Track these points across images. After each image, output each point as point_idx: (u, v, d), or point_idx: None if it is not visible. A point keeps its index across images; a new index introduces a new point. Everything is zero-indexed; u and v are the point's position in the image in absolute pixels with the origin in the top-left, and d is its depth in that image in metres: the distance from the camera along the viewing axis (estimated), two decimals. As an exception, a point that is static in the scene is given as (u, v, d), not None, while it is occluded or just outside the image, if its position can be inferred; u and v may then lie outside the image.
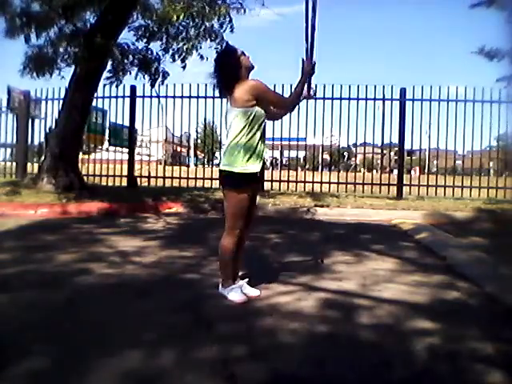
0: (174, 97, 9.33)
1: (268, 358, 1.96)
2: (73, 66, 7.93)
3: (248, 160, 2.60)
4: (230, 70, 2.67)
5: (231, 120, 2.66)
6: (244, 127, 2.61)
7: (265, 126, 2.72)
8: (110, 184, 9.40)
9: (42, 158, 8.31)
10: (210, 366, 1.87)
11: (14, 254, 3.77)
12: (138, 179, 9.45)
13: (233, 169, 2.61)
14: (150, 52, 8.51)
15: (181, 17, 7.43)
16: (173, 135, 12.97)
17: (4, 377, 1.75)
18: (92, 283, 3.02)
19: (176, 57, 8.20)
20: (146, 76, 8.52)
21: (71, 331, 2.21)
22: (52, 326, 2.26)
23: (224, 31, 7.98)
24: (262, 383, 1.78)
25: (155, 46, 8.45)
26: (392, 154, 16.07)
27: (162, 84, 8.81)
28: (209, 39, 8.04)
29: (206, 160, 17.89)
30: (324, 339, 2.20)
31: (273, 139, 9.94)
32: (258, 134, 2.65)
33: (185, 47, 8.07)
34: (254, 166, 2.62)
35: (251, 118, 2.61)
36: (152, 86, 8.78)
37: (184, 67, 8.19)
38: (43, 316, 2.39)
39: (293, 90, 2.90)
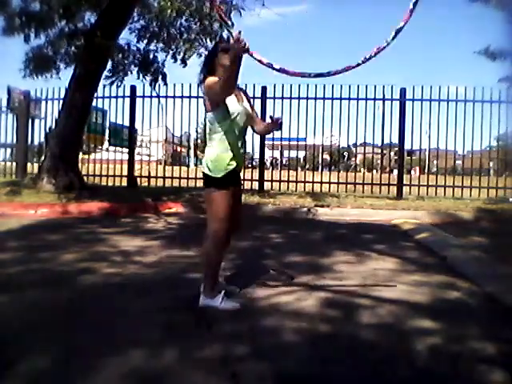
0: (174, 97, 9.31)
1: (269, 358, 1.96)
2: (73, 66, 7.94)
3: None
4: (205, 61, 2.64)
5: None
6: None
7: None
8: (110, 184, 9.39)
9: (42, 158, 8.31)
10: (212, 366, 1.88)
11: (15, 253, 3.78)
12: (138, 179, 9.44)
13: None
14: (150, 52, 8.54)
15: (175, 10, 7.42)
16: (173, 135, 12.96)
17: (6, 376, 1.75)
18: (93, 283, 3.02)
19: (177, 56, 8.21)
20: (146, 76, 8.55)
21: (73, 330, 2.21)
22: (54, 326, 2.27)
23: (223, 31, 8.00)
24: (264, 382, 1.78)
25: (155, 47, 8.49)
26: (392, 154, 16.07)
27: (165, 85, 8.83)
28: (208, 39, 8.06)
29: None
30: (325, 339, 2.20)
31: (273, 139, 9.95)
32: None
33: (184, 47, 8.08)
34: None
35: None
36: (152, 86, 8.80)
37: (185, 65, 8.20)
38: (45, 315, 2.40)
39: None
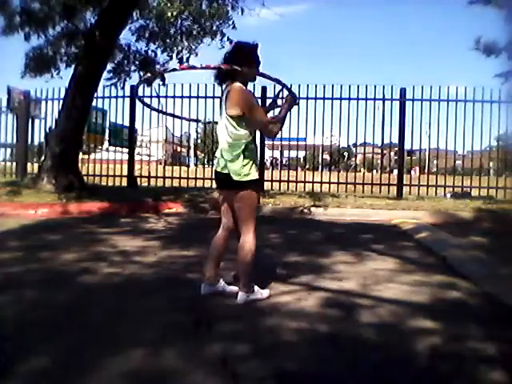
0: (174, 97, 9.32)
1: (269, 357, 1.96)
2: (73, 66, 7.94)
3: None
4: (237, 59, 2.57)
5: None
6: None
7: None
8: (110, 184, 9.39)
9: (42, 158, 8.31)
10: (212, 365, 1.88)
11: (15, 253, 3.77)
12: (138, 179, 9.45)
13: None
14: (149, 52, 8.55)
15: (174, 13, 7.46)
16: (173, 135, 12.97)
17: (6, 376, 1.75)
18: (93, 282, 3.02)
19: (174, 56, 8.22)
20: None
21: (73, 330, 2.21)
22: (54, 326, 2.27)
23: (223, 29, 8.03)
24: (264, 382, 1.78)
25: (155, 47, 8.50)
26: (392, 154, 16.07)
27: (164, 85, 8.83)
28: (209, 38, 8.07)
29: (206, 160, 17.91)
30: (325, 339, 2.20)
31: (273, 139, 9.95)
32: None
33: (181, 46, 8.08)
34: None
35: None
36: (150, 85, 8.80)
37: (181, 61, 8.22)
38: (45, 315, 2.40)
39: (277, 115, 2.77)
